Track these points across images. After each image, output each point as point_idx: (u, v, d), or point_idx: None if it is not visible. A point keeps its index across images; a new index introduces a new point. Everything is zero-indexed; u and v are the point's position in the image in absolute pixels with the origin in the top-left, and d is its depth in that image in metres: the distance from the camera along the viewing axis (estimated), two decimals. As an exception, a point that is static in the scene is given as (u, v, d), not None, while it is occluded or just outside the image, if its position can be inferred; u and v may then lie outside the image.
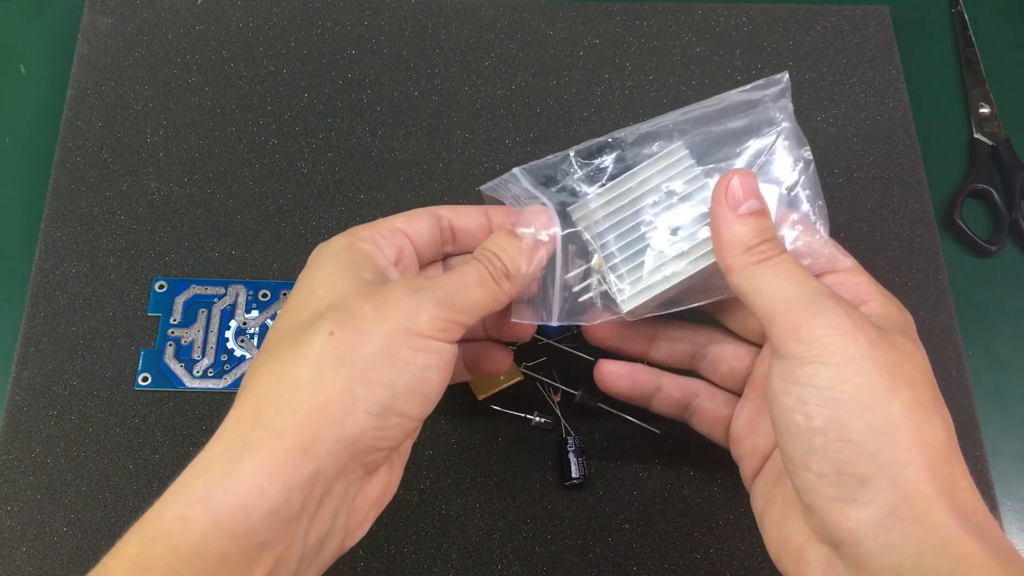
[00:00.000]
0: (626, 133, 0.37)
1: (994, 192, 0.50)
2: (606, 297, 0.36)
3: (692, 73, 0.52)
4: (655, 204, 0.36)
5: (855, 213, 0.48)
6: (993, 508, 0.42)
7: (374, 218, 0.47)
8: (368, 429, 0.28)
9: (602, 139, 0.37)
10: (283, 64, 0.51)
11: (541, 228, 0.34)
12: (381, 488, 0.31)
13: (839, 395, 0.27)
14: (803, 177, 0.35)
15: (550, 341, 0.44)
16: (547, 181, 0.37)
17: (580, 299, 0.36)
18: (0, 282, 0.47)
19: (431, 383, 0.29)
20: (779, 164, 0.35)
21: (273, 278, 0.46)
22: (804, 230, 0.33)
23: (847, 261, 0.33)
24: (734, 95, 0.36)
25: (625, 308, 0.35)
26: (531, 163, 0.37)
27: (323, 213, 0.48)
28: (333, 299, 0.30)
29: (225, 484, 0.26)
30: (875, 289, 0.32)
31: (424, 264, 0.36)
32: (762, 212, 0.32)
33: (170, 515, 0.26)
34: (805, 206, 0.35)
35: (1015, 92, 0.53)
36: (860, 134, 0.50)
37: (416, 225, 0.35)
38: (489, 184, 0.37)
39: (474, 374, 0.38)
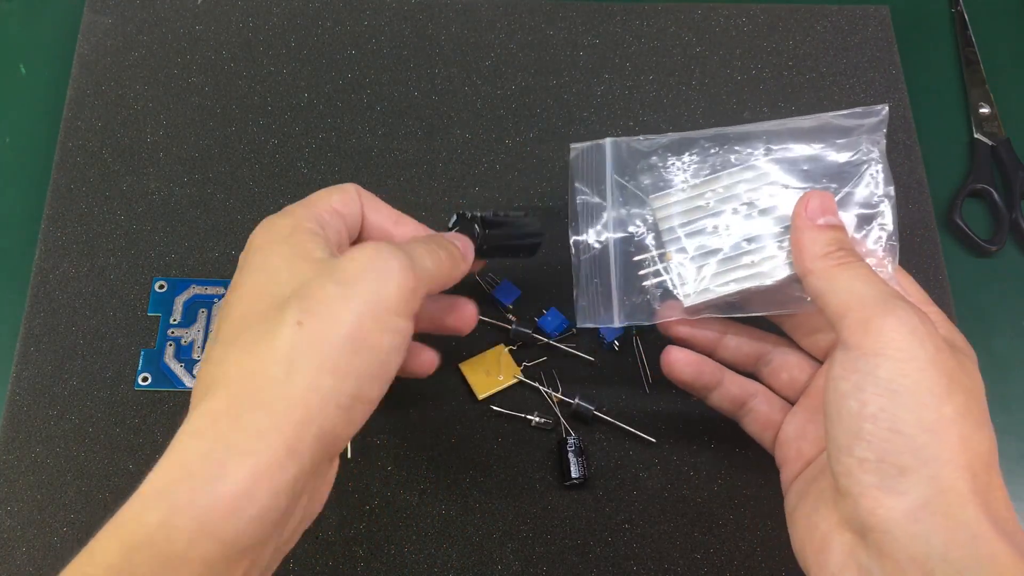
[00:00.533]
0: (715, 133, 0.38)
1: (994, 192, 0.50)
2: (666, 293, 0.37)
3: (692, 73, 0.52)
4: (735, 212, 0.37)
5: (855, 213, 0.48)
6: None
7: (374, 218, 0.47)
8: (338, 421, 0.28)
9: (689, 134, 0.38)
10: (283, 64, 0.51)
11: (465, 248, 0.36)
12: (335, 468, 0.31)
13: (897, 387, 0.29)
14: (883, 212, 0.36)
15: (550, 341, 0.44)
16: (627, 166, 0.39)
17: (638, 299, 0.38)
18: (0, 282, 0.47)
19: (392, 366, 0.30)
20: (861, 195, 0.37)
21: (273, 278, 0.46)
22: (873, 263, 0.35)
23: (913, 294, 0.35)
24: (830, 118, 0.37)
25: (686, 303, 0.37)
26: (622, 139, 0.39)
27: (323, 213, 0.48)
28: (294, 284, 0.29)
29: (212, 490, 0.25)
30: (943, 319, 0.34)
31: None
32: (839, 227, 0.34)
33: (153, 521, 0.26)
34: (878, 241, 0.36)
35: (1015, 92, 0.53)
36: (860, 134, 0.50)
37: (351, 208, 0.34)
38: (580, 146, 0.39)
39: (440, 329, 0.38)
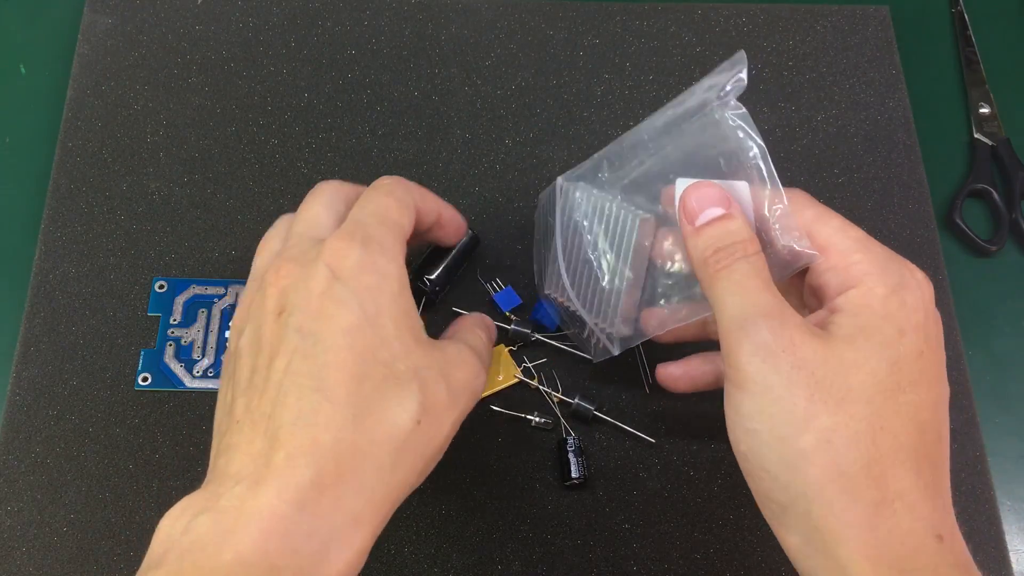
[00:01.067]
0: (609, 150, 0.38)
1: (994, 192, 0.50)
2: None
3: (692, 73, 0.52)
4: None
5: (855, 213, 0.48)
6: (993, 508, 0.42)
7: (374, 218, 0.47)
8: (408, 490, 0.30)
9: (595, 156, 0.39)
10: (283, 64, 0.51)
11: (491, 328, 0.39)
12: None
13: (756, 426, 0.28)
14: (764, 166, 0.33)
15: (549, 341, 0.44)
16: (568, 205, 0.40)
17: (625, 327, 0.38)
18: (0, 282, 0.47)
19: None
20: (740, 161, 0.34)
21: (273, 278, 0.46)
22: (780, 213, 0.32)
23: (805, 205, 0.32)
24: (694, 97, 0.36)
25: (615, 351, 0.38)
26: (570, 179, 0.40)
27: (323, 213, 0.48)
28: (409, 366, 0.29)
29: (317, 572, 0.26)
30: (868, 269, 0.30)
31: None
32: (722, 218, 0.31)
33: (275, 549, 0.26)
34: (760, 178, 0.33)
35: (1015, 92, 0.53)
36: (860, 134, 0.50)
37: (411, 217, 0.34)
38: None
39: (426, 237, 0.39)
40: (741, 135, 0.33)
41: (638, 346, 0.45)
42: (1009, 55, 0.55)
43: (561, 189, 0.40)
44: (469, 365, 0.32)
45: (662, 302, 0.36)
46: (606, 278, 0.37)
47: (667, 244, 0.36)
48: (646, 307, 0.37)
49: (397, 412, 0.28)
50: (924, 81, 0.53)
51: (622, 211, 0.37)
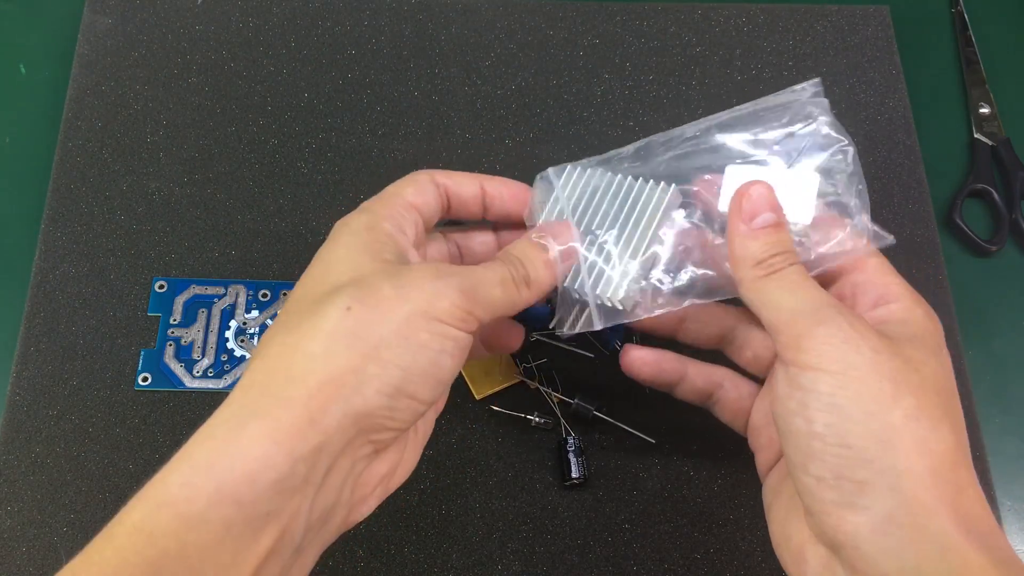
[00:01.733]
0: (641, 145, 0.37)
1: (994, 192, 0.50)
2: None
3: (692, 73, 0.52)
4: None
5: (855, 213, 0.48)
6: (993, 508, 0.42)
7: (374, 218, 0.47)
8: (378, 408, 0.28)
9: (614, 153, 0.37)
10: (283, 64, 0.51)
11: (564, 243, 0.34)
12: (389, 466, 0.31)
13: (839, 401, 0.28)
14: (845, 166, 0.34)
15: (550, 341, 0.44)
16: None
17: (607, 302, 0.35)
18: (0, 282, 0.47)
19: (444, 368, 0.29)
20: (817, 155, 0.35)
21: (273, 278, 0.46)
22: (833, 225, 0.33)
23: (873, 252, 0.33)
24: (769, 99, 0.35)
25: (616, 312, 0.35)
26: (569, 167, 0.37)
27: (323, 213, 0.48)
28: (352, 275, 0.29)
29: (230, 452, 0.26)
30: (903, 291, 0.32)
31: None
32: (777, 225, 0.32)
33: (175, 481, 0.26)
34: (843, 197, 0.34)
35: (1015, 92, 0.53)
36: (860, 134, 0.50)
37: (426, 197, 0.35)
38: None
39: (488, 350, 0.38)
40: (827, 133, 0.34)
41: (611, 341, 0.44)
42: (1009, 55, 0.55)
43: (559, 173, 0.37)
44: (426, 267, 0.30)
45: (663, 282, 0.36)
46: (618, 249, 0.36)
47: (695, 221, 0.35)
48: (648, 285, 0.36)
49: (326, 308, 0.28)
50: (924, 81, 0.53)
51: (645, 185, 0.36)
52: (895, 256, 0.47)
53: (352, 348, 0.27)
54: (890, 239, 0.34)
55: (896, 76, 0.52)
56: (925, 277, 0.47)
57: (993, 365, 0.47)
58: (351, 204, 0.47)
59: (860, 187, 0.34)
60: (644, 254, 0.35)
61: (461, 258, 0.38)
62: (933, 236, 0.48)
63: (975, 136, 0.52)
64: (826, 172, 0.34)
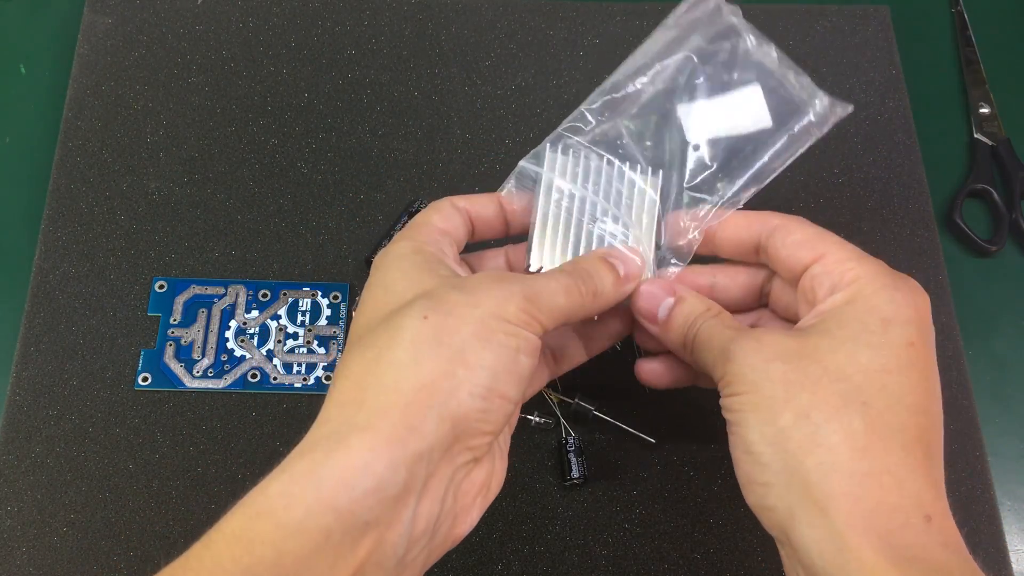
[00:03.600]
0: (589, 102, 0.40)
1: (994, 192, 0.50)
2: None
3: (692, 73, 0.52)
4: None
5: (855, 213, 0.48)
6: (993, 508, 0.42)
7: (374, 218, 0.47)
8: (472, 410, 0.28)
9: (578, 109, 0.39)
10: (283, 64, 0.51)
11: (632, 267, 0.35)
12: (486, 476, 0.31)
13: (740, 417, 0.30)
14: (771, 61, 0.37)
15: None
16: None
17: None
18: (0, 282, 0.47)
19: (524, 366, 0.30)
20: (748, 63, 0.38)
21: (273, 278, 0.46)
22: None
23: (835, 241, 0.33)
24: (665, 34, 0.39)
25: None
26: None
27: (323, 213, 0.48)
28: (417, 291, 0.30)
29: (330, 461, 0.26)
30: (859, 273, 0.31)
31: None
32: (677, 303, 0.35)
33: (274, 491, 0.26)
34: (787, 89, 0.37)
35: (1015, 92, 0.53)
36: (860, 134, 0.50)
37: (453, 222, 0.35)
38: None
39: (597, 348, 0.39)
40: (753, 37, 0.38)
41: (636, 346, 0.45)
42: (1009, 55, 0.55)
43: (540, 160, 0.39)
44: (488, 274, 0.32)
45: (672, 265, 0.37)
46: (629, 240, 0.37)
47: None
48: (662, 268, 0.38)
49: (401, 320, 0.29)
50: (924, 81, 0.53)
51: (633, 172, 0.37)
52: (895, 256, 0.48)
53: (438, 354, 0.28)
54: (849, 108, 0.37)
55: (896, 76, 0.52)
56: (925, 277, 0.47)
57: (993, 365, 0.47)
58: (351, 204, 0.48)
59: (795, 72, 0.38)
60: (655, 248, 0.37)
61: None
62: (933, 236, 0.48)
63: (975, 136, 0.52)
64: (762, 75, 0.38)
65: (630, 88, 0.40)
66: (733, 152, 0.38)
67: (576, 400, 0.42)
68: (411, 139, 0.50)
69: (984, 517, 0.42)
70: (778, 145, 0.38)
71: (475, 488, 0.30)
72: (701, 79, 0.39)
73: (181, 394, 0.43)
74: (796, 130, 0.38)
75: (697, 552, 0.41)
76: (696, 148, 0.38)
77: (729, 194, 0.37)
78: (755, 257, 0.36)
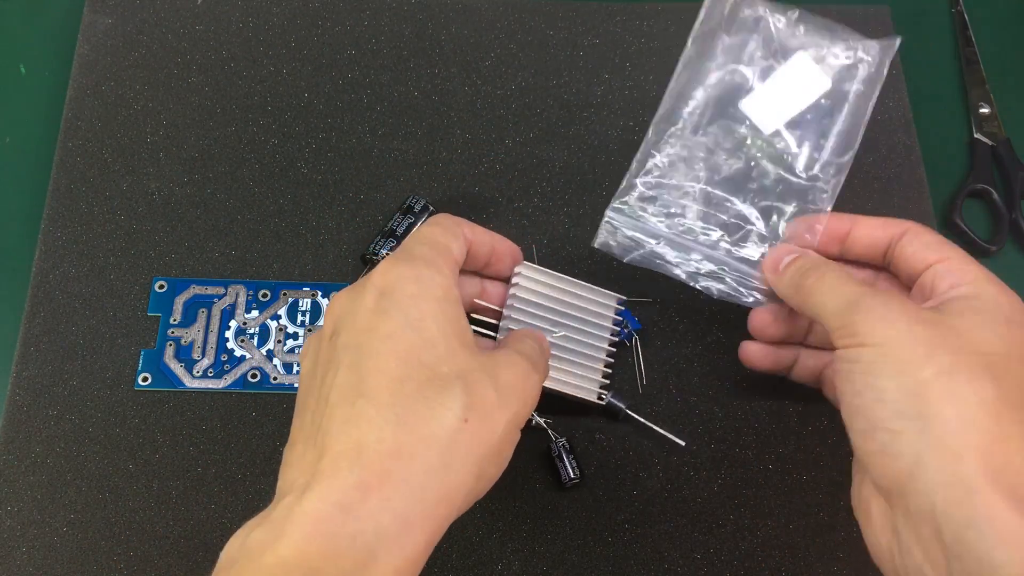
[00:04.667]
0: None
1: (994, 192, 0.50)
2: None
3: (692, 73, 0.52)
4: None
5: (855, 213, 0.48)
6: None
7: (374, 218, 0.47)
8: (464, 507, 0.30)
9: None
10: (283, 64, 0.51)
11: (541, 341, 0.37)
12: None
13: (876, 367, 0.30)
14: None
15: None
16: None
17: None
18: (0, 282, 0.47)
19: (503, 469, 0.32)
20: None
21: (273, 278, 0.46)
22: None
23: (958, 250, 0.35)
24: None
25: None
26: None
27: (323, 213, 0.48)
28: (453, 369, 0.29)
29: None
30: (980, 275, 0.33)
31: None
32: (797, 258, 0.37)
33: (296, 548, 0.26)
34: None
35: (1015, 92, 0.53)
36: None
37: (462, 254, 0.34)
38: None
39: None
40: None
41: (635, 349, 0.44)
42: (1009, 55, 0.55)
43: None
44: (517, 366, 0.32)
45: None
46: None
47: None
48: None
49: (441, 411, 0.28)
50: (924, 81, 0.53)
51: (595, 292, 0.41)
52: (895, 256, 0.48)
53: (465, 465, 0.29)
54: (896, 41, 0.41)
55: (896, 76, 0.52)
56: (925, 277, 0.47)
57: (993, 365, 0.47)
58: (351, 204, 0.48)
59: (831, 29, 0.41)
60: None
61: None
62: (933, 236, 0.48)
63: (975, 136, 0.52)
64: (803, 44, 0.41)
65: (685, 112, 0.42)
66: (812, 127, 0.41)
67: (609, 395, 0.42)
68: (411, 139, 0.50)
69: (984, 517, 0.42)
70: (849, 102, 0.41)
71: None
72: (749, 73, 0.41)
73: (181, 394, 0.43)
74: (858, 82, 0.41)
75: (697, 552, 0.41)
76: (776, 135, 0.41)
77: (833, 169, 0.41)
78: (881, 260, 0.38)
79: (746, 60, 0.41)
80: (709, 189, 0.40)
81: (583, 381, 0.41)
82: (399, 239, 0.45)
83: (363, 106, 0.50)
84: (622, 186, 0.41)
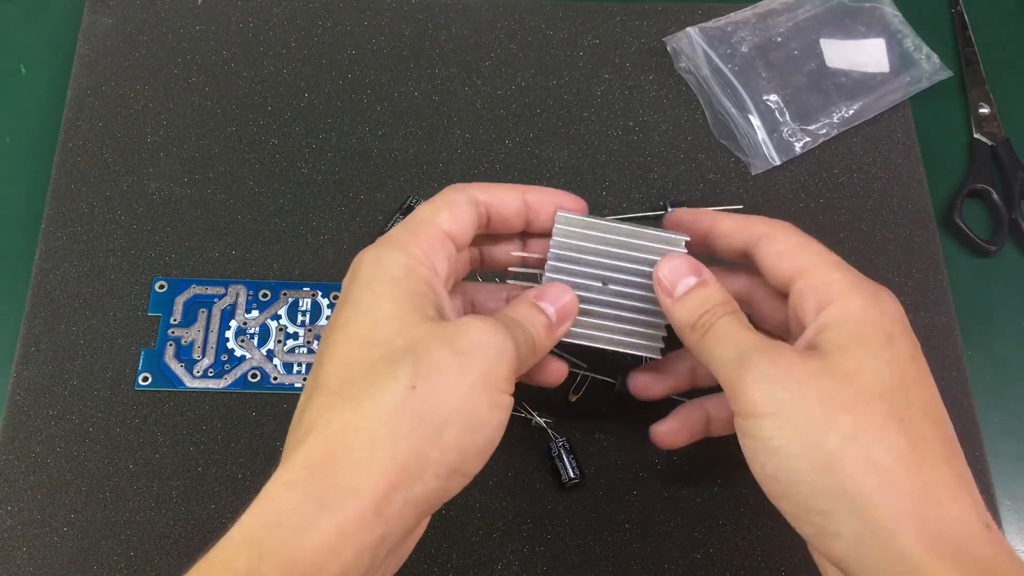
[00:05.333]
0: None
1: (994, 192, 0.50)
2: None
3: (692, 73, 0.52)
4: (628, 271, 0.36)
5: (855, 213, 0.48)
6: (992, 508, 0.42)
7: (374, 218, 0.47)
8: (433, 490, 0.28)
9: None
10: (283, 64, 0.51)
11: (562, 307, 0.34)
12: (423, 525, 0.31)
13: (779, 442, 0.28)
14: None
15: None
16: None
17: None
18: (0, 282, 0.47)
19: (496, 442, 0.29)
20: None
21: (273, 278, 0.46)
22: None
23: (817, 251, 0.32)
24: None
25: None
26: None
27: (323, 213, 0.48)
28: (407, 340, 0.28)
29: (299, 543, 0.26)
30: (842, 286, 0.31)
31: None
32: (698, 286, 0.33)
33: (241, 567, 0.25)
34: None
35: (1015, 92, 0.53)
36: (860, 134, 0.50)
37: (462, 222, 0.33)
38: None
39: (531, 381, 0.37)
40: None
41: (624, 389, 0.44)
42: (1009, 55, 0.55)
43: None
44: (481, 329, 0.29)
45: None
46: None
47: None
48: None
49: (387, 383, 0.28)
50: (924, 81, 0.53)
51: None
52: (895, 256, 0.48)
53: (417, 431, 0.27)
54: (949, 73, 0.52)
55: (896, 76, 0.52)
56: (925, 277, 0.47)
57: (993, 365, 0.47)
58: (351, 204, 0.48)
59: (912, 35, 0.53)
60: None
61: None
62: (933, 236, 0.48)
63: (975, 136, 0.52)
64: (886, 31, 0.53)
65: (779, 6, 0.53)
66: (855, 85, 0.51)
67: (619, 381, 0.42)
68: (411, 139, 0.50)
69: (984, 517, 0.42)
70: (889, 86, 0.51)
71: (414, 541, 0.31)
72: (841, 22, 0.53)
73: (181, 394, 0.43)
74: (904, 79, 0.51)
75: (697, 552, 0.41)
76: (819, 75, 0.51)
77: (840, 119, 0.50)
78: (747, 261, 0.35)
79: (846, 16, 0.53)
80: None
81: (639, 337, 0.36)
82: None
83: (363, 106, 0.50)
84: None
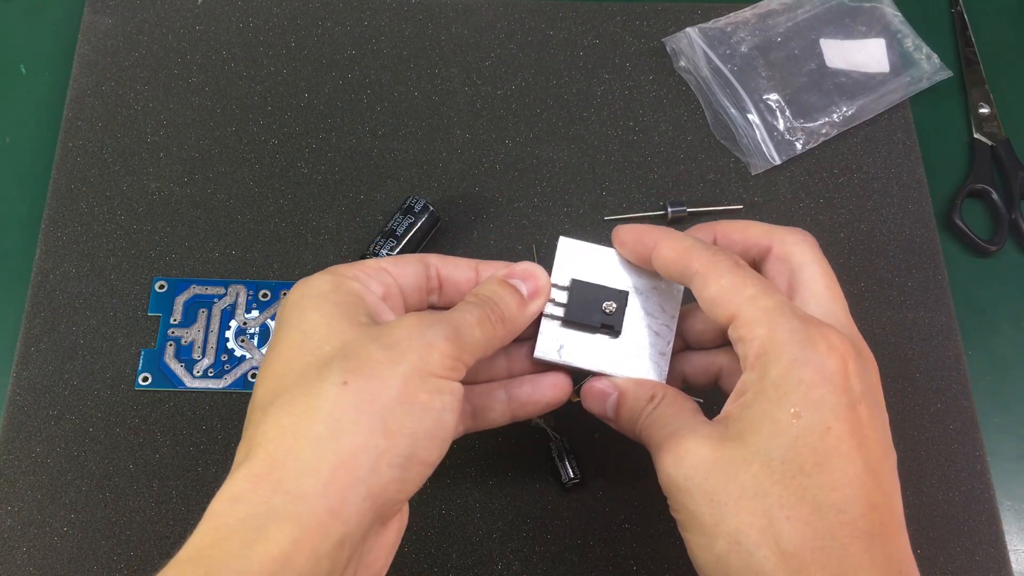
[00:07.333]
0: None
1: (994, 192, 0.50)
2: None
3: (692, 73, 0.52)
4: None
5: (855, 213, 0.48)
6: (993, 508, 0.42)
7: (374, 218, 0.47)
8: (391, 482, 0.27)
9: None
10: (283, 64, 0.51)
11: (534, 282, 0.34)
12: (395, 532, 0.30)
13: (685, 534, 0.30)
14: None
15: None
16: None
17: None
18: (0, 282, 0.47)
19: (447, 426, 0.29)
20: None
21: (273, 278, 0.46)
22: None
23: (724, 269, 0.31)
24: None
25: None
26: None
27: (323, 213, 0.48)
28: (336, 345, 0.29)
29: (247, 554, 0.25)
30: (769, 345, 0.29)
31: (408, 311, 0.34)
32: (619, 399, 0.35)
33: None
34: None
35: (1015, 92, 0.53)
36: (860, 134, 0.50)
37: (403, 268, 0.33)
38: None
39: (523, 414, 0.36)
40: None
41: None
42: (1009, 55, 0.55)
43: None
44: (407, 323, 0.29)
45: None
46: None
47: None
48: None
49: (319, 385, 0.27)
50: (924, 81, 0.53)
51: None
52: (895, 256, 0.48)
53: (358, 425, 0.27)
54: (949, 73, 0.53)
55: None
56: (925, 277, 0.47)
57: (993, 365, 0.47)
58: (351, 204, 0.48)
59: (913, 35, 0.53)
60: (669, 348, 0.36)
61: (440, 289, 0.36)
62: (933, 236, 0.48)
63: (975, 136, 0.52)
64: (886, 31, 0.54)
65: (778, 6, 0.53)
66: (856, 85, 0.51)
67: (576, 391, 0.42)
68: (411, 139, 0.50)
69: (984, 517, 0.42)
70: (889, 86, 0.51)
71: (385, 550, 0.30)
72: (841, 22, 0.52)
73: (181, 394, 0.43)
74: (904, 79, 0.51)
75: (697, 552, 0.41)
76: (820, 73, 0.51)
77: (840, 118, 0.50)
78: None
79: (845, 16, 0.53)
80: None
81: (643, 361, 0.36)
82: (399, 239, 0.45)
83: (363, 106, 0.50)
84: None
